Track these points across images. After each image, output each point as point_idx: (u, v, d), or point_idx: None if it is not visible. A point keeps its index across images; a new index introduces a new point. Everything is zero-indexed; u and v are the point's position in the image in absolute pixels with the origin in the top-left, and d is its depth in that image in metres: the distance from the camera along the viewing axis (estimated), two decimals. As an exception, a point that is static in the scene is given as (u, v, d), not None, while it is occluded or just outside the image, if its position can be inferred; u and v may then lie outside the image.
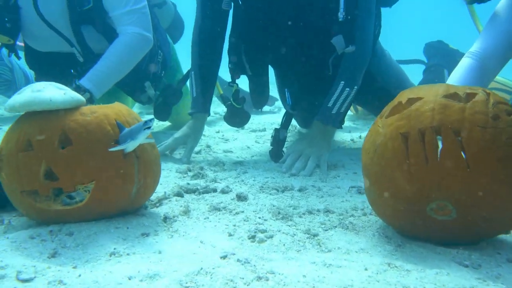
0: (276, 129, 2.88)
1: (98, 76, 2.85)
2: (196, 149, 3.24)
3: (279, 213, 1.85)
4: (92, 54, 2.99)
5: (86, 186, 1.65)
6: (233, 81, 2.99)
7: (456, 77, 2.10)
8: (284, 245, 1.56)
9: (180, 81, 3.46)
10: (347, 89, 2.61)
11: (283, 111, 3.26)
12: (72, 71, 3.27)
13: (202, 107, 2.91)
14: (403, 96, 1.61)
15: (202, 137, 3.74)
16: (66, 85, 3.24)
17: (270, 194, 2.18)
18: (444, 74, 3.95)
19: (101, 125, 1.59)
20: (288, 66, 2.90)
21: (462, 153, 1.43)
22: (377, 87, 2.91)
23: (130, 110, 1.75)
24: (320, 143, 2.69)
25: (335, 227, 1.73)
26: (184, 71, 4.05)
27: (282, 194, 2.18)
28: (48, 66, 3.26)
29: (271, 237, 1.62)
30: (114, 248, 1.46)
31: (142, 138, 1.57)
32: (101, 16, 2.91)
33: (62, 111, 1.58)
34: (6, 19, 2.89)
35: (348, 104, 2.66)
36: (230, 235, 1.64)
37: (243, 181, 2.41)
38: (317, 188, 2.28)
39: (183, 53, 4.04)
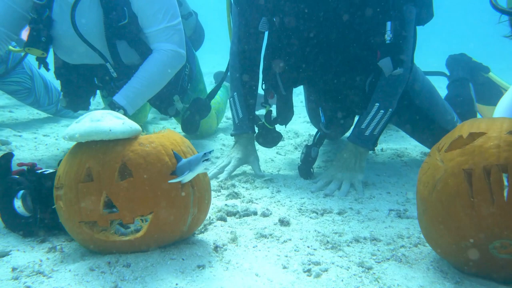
0: (307, 146, 2.87)
1: (133, 92, 2.86)
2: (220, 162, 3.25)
3: (327, 241, 1.84)
4: (125, 69, 2.98)
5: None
6: (266, 101, 2.98)
7: (507, 103, 2.09)
8: (342, 280, 1.55)
9: (209, 95, 3.45)
10: (382, 111, 2.60)
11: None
12: (96, 80, 3.26)
13: (250, 128, 2.93)
14: (463, 130, 1.59)
15: (223, 147, 3.74)
16: (91, 94, 3.29)
17: (310, 217, 2.17)
18: (470, 88, 3.93)
19: (159, 156, 1.57)
20: (324, 86, 2.88)
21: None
22: (410, 107, 2.89)
23: (183, 138, 1.74)
24: (352, 166, 2.69)
25: (388, 259, 1.72)
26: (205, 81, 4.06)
27: (323, 218, 2.17)
28: (76, 77, 3.24)
29: (326, 270, 1.61)
30: (176, 284, 1.45)
31: (200, 170, 1.55)
32: (135, 31, 2.90)
33: (121, 140, 1.56)
34: (41, 32, 2.87)
35: (382, 126, 2.65)
36: (284, 267, 1.63)
37: (279, 201, 2.40)
38: (356, 211, 2.27)
39: (202, 62, 4.03)
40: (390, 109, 2.62)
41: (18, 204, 1.87)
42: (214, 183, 2.63)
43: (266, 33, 2.85)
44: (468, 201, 1.47)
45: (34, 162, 1.95)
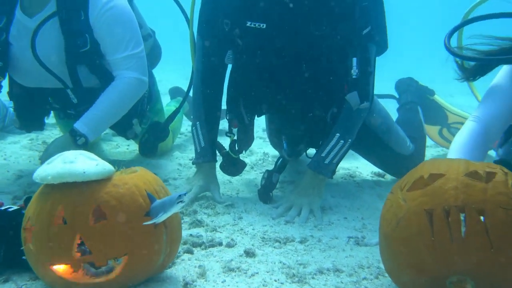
0: (269, 172, 2.93)
1: (94, 120, 2.86)
2: (178, 183, 3.29)
3: (293, 274, 1.91)
4: (86, 94, 2.96)
5: (113, 256, 1.64)
6: (230, 131, 3.04)
7: (461, 141, 2.22)
8: (313, 318, 1.60)
9: (168, 119, 3.46)
10: (342, 141, 2.71)
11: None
12: (51, 101, 3.22)
13: (212, 157, 2.97)
14: (424, 170, 1.69)
15: (180, 166, 3.76)
16: (45, 114, 3.24)
17: (274, 247, 2.23)
18: (418, 111, 4.13)
19: (134, 197, 1.59)
20: (287, 116, 2.96)
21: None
22: (368, 136, 3.00)
23: (156, 177, 1.77)
24: (311, 192, 2.78)
25: (352, 293, 1.79)
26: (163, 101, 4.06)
27: (286, 247, 2.24)
28: (30, 99, 3.20)
29: (296, 306, 1.66)
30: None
31: (174, 211, 1.58)
32: (96, 57, 2.90)
33: (95, 182, 1.57)
34: None
35: (341, 156, 2.76)
36: (254, 304, 1.67)
37: (242, 229, 2.45)
38: (317, 239, 2.35)
39: (159, 79, 4.04)
40: (350, 140, 2.73)
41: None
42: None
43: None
44: (429, 239, 1.57)
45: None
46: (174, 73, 8.95)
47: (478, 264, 1.53)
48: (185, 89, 5.20)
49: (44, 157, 2.87)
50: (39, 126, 3.40)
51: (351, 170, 3.78)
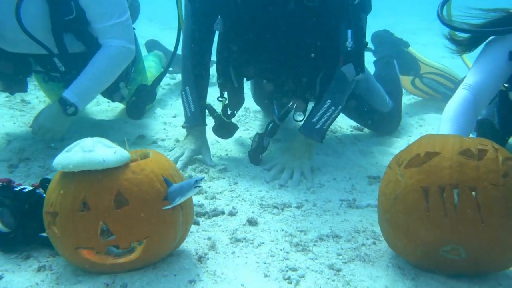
0: (259, 135, 3.03)
1: (82, 89, 2.90)
2: (167, 144, 3.38)
3: (297, 243, 2.05)
4: (73, 62, 2.96)
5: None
6: (222, 95, 3.13)
7: (454, 109, 2.34)
8: (320, 287, 1.75)
9: (154, 82, 3.49)
10: (333, 107, 2.82)
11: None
12: (33, 64, 3.23)
13: (202, 121, 3.07)
14: (420, 148, 1.82)
15: (165, 125, 3.82)
16: (27, 76, 3.23)
17: (273, 214, 2.37)
18: (395, 65, 4.24)
19: (152, 183, 1.68)
20: (277, 81, 3.03)
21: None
22: (352, 96, 3.10)
23: (169, 161, 1.85)
24: (302, 155, 2.90)
25: (353, 259, 1.95)
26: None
27: (284, 214, 2.37)
28: (13, 62, 3.17)
29: (303, 276, 1.82)
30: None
31: (190, 195, 1.68)
32: (82, 25, 2.89)
33: (114, 169, 1.65)
34: None
35: (331, 121, 2.88)
36: (265, 275, 1.82)
37: (240, 196, 2.57)
38: (312, 204, 2.49)
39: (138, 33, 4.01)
40: (340, 106, 2.85)
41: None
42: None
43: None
44: (425, 214, 1.72)
45: (9, 178, 1.99)
46: (150, 26, 8.78)
47: (469, 236, 1.69)
48: (161, 42, 5.23)
49: (36, 127, 2.91)
50: (23, 88, 3.40)
51: (332, 125, 3.89)
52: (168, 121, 3.95)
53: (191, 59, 3.05)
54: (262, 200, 2.49)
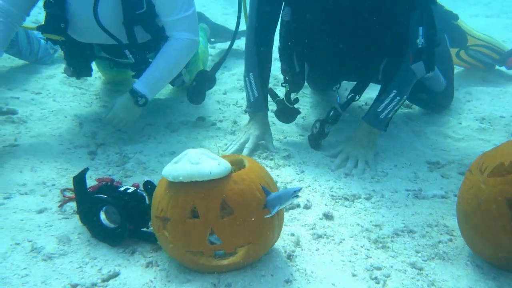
0: (321, 122, 3.13)
1: (152, 80, 3.05)
2: (225, 125, 3.53)
3: (375, 240, 2.18)
4: (142, 54, 3.10)
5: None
6: (285, 81, 3.23)
7: None
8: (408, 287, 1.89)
9: (214, 67, 3.58)
10: (398, 98, 2.89)
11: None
12: (96, 51, 3.44)
13: (265, 106, 3.18)
14: (504, 156, 1.88)
15: (219, 104, 3.93)
16: (92, 61, 3.38)
17: (345, 206, 2.50)
18: (446, 40, 4.25)
19: (253, 192, 1.81)
20: (340, 68, 3.12)
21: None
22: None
23: (264, 169, 1.98)
24: (366, 144, 3.00)
25: (433, 258, 2.07)
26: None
27: (355, 206, 2.50)
28: (80, 50, 3.36)
29: (389, 276, 1.95)
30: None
31: (288, 204, 1.81)
32: (151, 18, 3.03)
33: (219, 180, 1.78)
34: (58, 18, 2.92)
35: (395, 111, 2.95)
36: (353, 275, 1.96)
37: (309, 186, 2.70)
38: (380, 195, 2.61)
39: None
40: (405, 97, 2.93)
41: (102, 216, 2.10)
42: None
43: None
44: (508, 224, 1.82)
45: (111, 177, 2.18)
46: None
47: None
48: (207, 15, 5.31)
49: (110, 117, 3.05)
50: (89, 72, 3.59)
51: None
52: (220, 99, 4.06)
53: (255, 46, 3.14)
54: (332, 191, 2.61)
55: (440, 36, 4.19)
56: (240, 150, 3.02)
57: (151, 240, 2.05)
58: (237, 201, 1.77)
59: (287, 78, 3.25)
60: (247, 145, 3.04)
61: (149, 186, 2.04)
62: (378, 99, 2.96)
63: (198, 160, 1.78)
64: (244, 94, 4.16)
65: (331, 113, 3.13)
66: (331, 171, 2.87)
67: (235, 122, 3.62)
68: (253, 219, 1.79)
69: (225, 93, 4.19)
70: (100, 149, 3.05)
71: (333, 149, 3.12)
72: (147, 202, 2.10)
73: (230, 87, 4.38)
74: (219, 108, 3.91)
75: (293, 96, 3.30)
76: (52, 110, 3.63)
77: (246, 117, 3.70)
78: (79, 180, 2.15)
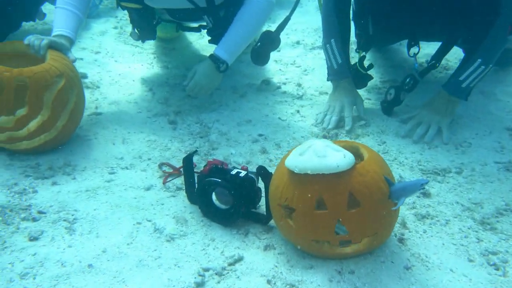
0: (396, 88, 3.07)
1: (231, 45, 3.01)
2: (293, 90, 3.51)
3: (482, 221, 2.19)
4: (219, 19, 3.09)
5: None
6: (360, 46, 3.17)
7: None
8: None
9: (278, 28, 3.51)
10: (483, 66, 2.79)
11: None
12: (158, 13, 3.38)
13: (349, 72, 3.13)
14: None
15: (277, 65, 3.89)
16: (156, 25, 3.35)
17: (438, 182, 2.50)
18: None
19: (378, 184, 1.81)
20: (420, 36, 3.06)
21: None
22: None
23: (381, 157, 1.98)
24: (443, 111, 2.93)
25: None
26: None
27: (449, 182, 2.49)
28: (148, 13, 3.32)
29: (507, 262, 1.97)
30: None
31: (413, 195, 1.82)
32: None
33: (344, 172, 1.79)
34: None
35: (479, 80, 2.86)
36: (469, 260, 1.99)
37: (396, 159, 2.69)
38: (470, 168, 2.60)
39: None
40: (490, 65, 2.82)
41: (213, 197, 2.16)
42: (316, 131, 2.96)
43: None
44: None
45: (224, 161, 2.22)
46: None
47: None
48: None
49: (192, 85, 3.05)
50: (154, 36, 3.56)
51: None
52: (277, 58, 4.00)
53: (335, 12, 3.09)
54: (420, 165, 2.62)
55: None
56: (340, 119, 3.01)
57: (261, 221, 2.14)
58: (364, 193, 1.78)
59: (361, 42, 3.16)
60: (345, 114, 3.02)
61: (262, 171, 2.06)
62: (462, 67, 2.87)
63: (324, 153, 1.78)
64: (298, 52, 4.16)
65: (408, 80, 3.06)
66: (401, 137, 2.87)
67: (299, 85, 3.58)
68: (381, 210, 1.79)
69: (279, 51, 4.11)
70: (179, 118, 3.06)
71: (406, 115, 3.08)
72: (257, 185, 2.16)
73: (282, 44, 4.30)
74: (280, 69, 3.86)
75: (366, 62, 3.24)
76: (119, 74, 3.63)
77: (309, 79, 3.69)
78: (189, 161, 2.20)
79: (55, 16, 2.81)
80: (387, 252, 1.98)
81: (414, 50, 3.10)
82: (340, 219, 1.80)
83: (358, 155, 1.94)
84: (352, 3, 3.22)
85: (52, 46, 2.61)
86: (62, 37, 2.71)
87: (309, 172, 1.77)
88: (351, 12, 3.21)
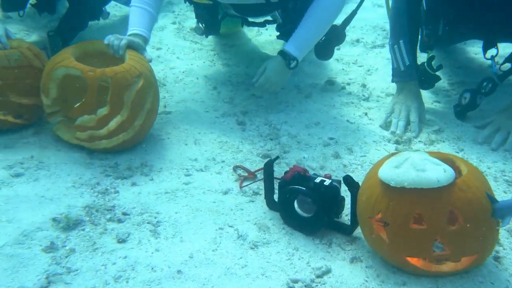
0: (471, 91, 2.95)
1: (302, 42, 2.94)
2: (358, 91, 3.43)
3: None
4: (288, 15, 3.05)
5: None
6: (429, 47, 3.08)
7: None
8: None
9: (344, 22, 3.43)
10: None
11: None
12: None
13: (416, 75, 3.06)
14: None
15: (347, 68, 3.82)
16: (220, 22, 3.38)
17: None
18: None
19: (479, 201, 1.73)
20: (497, 37, 2.95)
21: None
22: None
23: (481, 172, 1.90)
24: None
25: None
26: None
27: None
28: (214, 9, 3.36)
29: None
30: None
31: None
32: None
33: (445, 187, 1.72)
34: None
35: None
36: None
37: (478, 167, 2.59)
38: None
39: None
40: None
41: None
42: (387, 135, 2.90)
43: None
44: None
45: (306, 169, 2.16)
46: None
47: None
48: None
49: (263, 81, 3.00)
50: (218, 31, 3.60)
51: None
52: (338, 57, 3.92)
53: (407, 13, 3.03)
54: (505, 175, 2.52)
55: None
56: (407, 124, 2.93)
57: (345, 231, 2.08)
58: (465, 211, 1.71)
59: (430, 43, 3.07)
60: (412, 119, 2.93)
61: (348, 180, 2.01)
62: None
63: (423, 167, 1.72)
64: (358, 50, 4.08)
65: (485, 84, 2.94)
66: (479, 143, 2.77)
67: (364, 86, 3.51)
68: (483, 229, 1.72)
69: (338, 49, 4.04)
70: (247, 118, 3.03)
71: (483, 120, 2.96)
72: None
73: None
74: (342, 69, 3.79)
75: (434, 63, 3.14)
76: (183, 71, 3.62)
77: (373, 79, 3.61)
78: (269, 167, 2.17)
79: (130, 15, 2.81)
80: (485, 272, 1.90)
81: (491, 51, 3.00)
82: (439, 237, 1.73)
83: (453, 168, 1.86)
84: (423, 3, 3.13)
85: (130, 46, 2.60)
86: (138, 36, 2.71)
87: (406, 185, 1.71)
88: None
